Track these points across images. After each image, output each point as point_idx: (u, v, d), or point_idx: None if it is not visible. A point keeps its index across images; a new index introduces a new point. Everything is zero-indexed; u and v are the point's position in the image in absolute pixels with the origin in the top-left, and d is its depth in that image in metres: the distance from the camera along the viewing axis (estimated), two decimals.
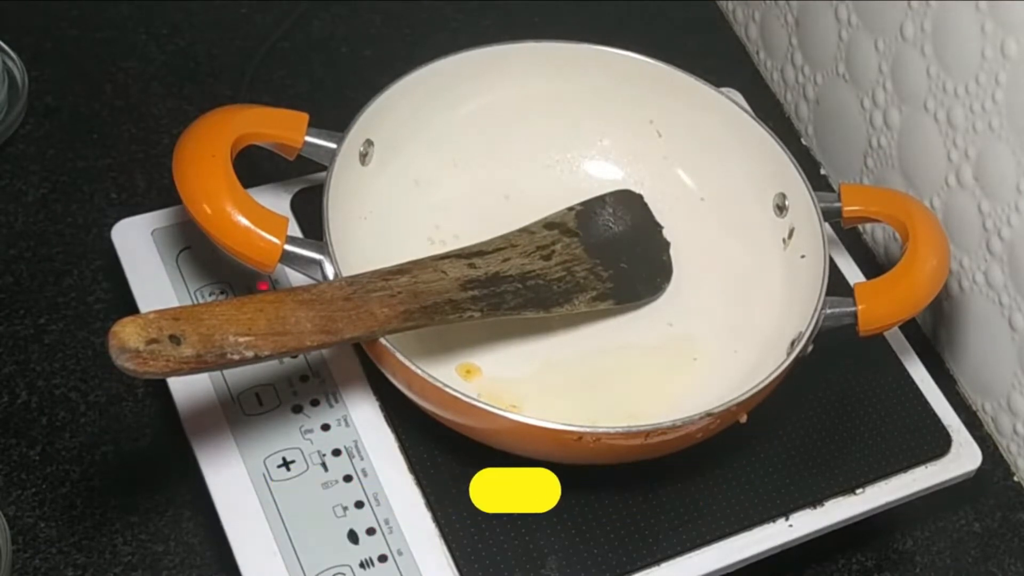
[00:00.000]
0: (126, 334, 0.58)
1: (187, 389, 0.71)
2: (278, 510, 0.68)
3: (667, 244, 0.80)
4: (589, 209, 0.80)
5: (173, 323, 0.60)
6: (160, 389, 0.75)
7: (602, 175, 0.83)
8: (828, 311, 0.72)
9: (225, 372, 0.71)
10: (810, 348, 0.71)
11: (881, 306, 0.73)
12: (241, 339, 0.61)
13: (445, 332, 0.74)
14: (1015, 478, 0.84)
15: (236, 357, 0.61)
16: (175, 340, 0.59)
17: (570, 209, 0.79)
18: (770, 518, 0.72)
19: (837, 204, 0.77)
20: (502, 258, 0.74)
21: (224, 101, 0.90)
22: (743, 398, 0.67)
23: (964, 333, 0.86)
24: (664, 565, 0.69)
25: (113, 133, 0.89)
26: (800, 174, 0.76)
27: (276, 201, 0.77)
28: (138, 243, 0.76)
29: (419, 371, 0.66)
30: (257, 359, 0.62)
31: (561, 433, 0.66)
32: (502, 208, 0.80)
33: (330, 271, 0.69)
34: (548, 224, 0.78)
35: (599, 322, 0.77)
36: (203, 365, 0.60)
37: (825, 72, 0.93)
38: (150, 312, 0.60)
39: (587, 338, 0.76)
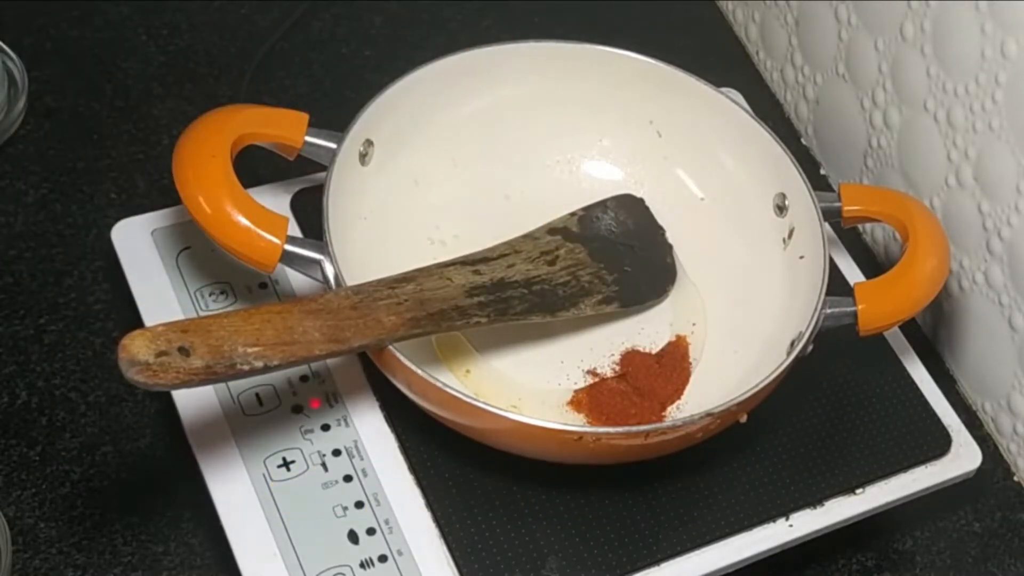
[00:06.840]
0: (135, 347, 0.58)
1: (187, 390, 0.70)
2: (278, 510, 0.68)
3: (670, 247, 0.80)
4: (591, 214, 0.80)
5: (181, 335, 0.60)
6: None
7: (602, 175, 0.83)
8: (828, 311, 0.72)
9: None
10: (810, 348, 0.71)
11: (881, 306, 0.73)
12: (250, 350, 0.61)
13: (446, 334, 0.74)
14: (1015, 478, 0.84)
15: (246, 368, 0.61)
16: (184, 352, 0.59)
17: (572, 214, 0.79)
18: (770, 518, 0.71)
19: (837, 204, 0.77)
20: (507, 264, 0.74)
21: (224, 101, 0.90)
22: (743, 398, 0.67)
23: (964, 333, 0.86)
24: (664, 565, 0.69)
25: (113, 133, 0.89)
26: (800, 174, 0.76)
27: (276, 201, 0.77)
28: (138, 243, 0.76)
29: (420, 372, 0.66)
30: (267, 369, 0.62)
31: (561, 433, 0.66)
32: (502, 208, 0.80)
33: (330, 271, 0.69)
34: (551, 229, 0.78)
35: (602, 325, 0.77)
36: (213, 376, 0.60)
37: (825, 72, 0.93)
38: (158, 325, 0.60)
39: (589, 340, 0.76)
